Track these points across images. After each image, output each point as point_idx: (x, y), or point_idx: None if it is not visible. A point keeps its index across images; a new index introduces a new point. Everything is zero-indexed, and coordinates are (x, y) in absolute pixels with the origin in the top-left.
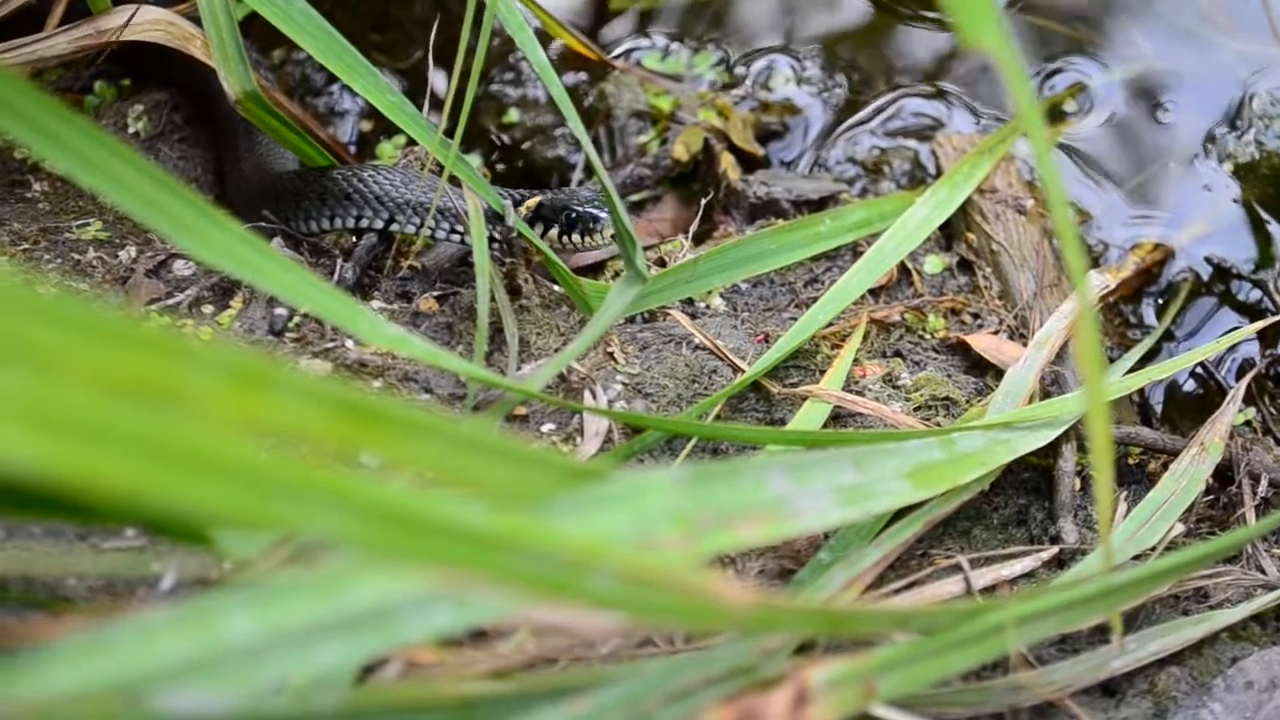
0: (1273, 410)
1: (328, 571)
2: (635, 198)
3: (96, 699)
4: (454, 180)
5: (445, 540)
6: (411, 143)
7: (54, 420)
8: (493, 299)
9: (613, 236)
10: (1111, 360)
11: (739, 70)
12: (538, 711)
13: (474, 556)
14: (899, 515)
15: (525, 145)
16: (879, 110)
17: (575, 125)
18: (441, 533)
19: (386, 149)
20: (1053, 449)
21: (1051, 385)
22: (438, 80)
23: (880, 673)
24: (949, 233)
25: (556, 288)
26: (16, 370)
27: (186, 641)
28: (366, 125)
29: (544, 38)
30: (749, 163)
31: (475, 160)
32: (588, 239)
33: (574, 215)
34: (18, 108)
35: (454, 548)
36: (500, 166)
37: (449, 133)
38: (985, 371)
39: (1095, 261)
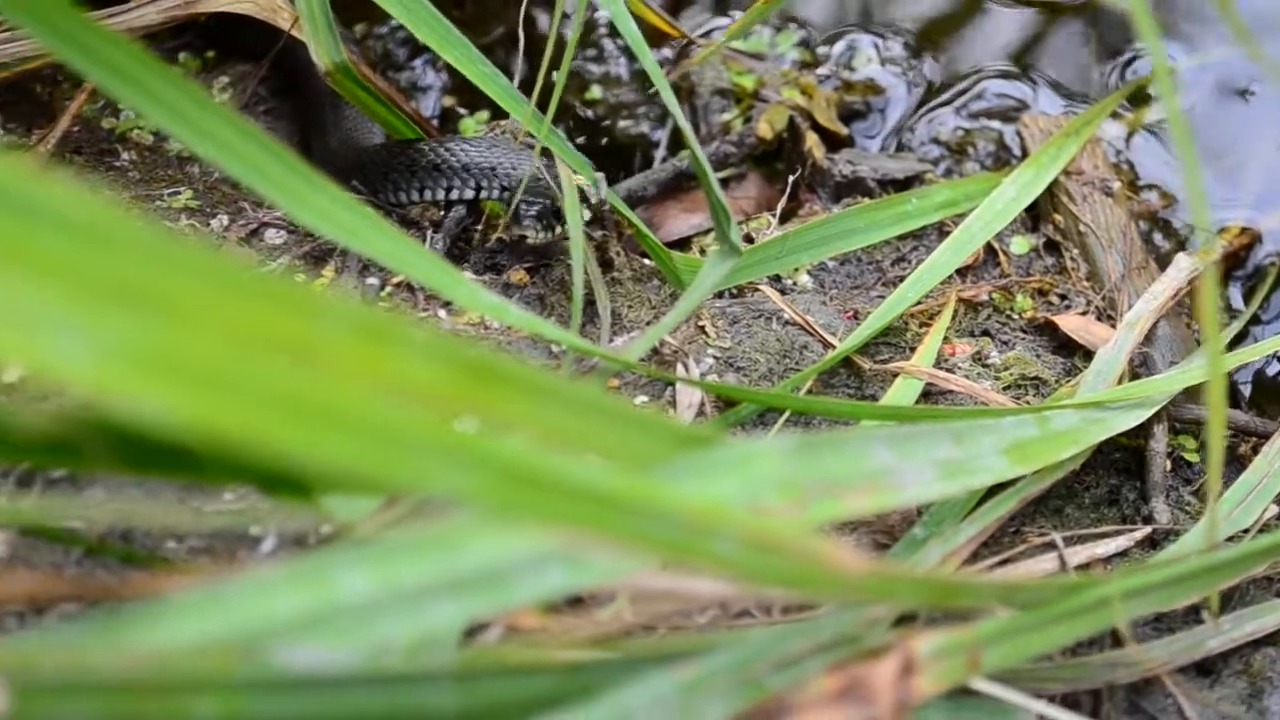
0: None
1: (443, 531)
2: (719, 175)
3: (214, 653)
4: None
5: (573, 500)
6: (495, 118)
7: (187, 370)
8: (585, 271)
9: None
10: (1198, 344)
11: (821, 49)
12: (645, 676)
13: (600, 517)
14: (992, 492)
15: (607, 122)
16: (963, 91)
17: (668, 98)
18: (570, 492)
19: (469, 124)
20: (1144, 429)
21: (1140, 367)
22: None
23: (984, 645)
24: (1035, 214)
25: (647, 261)
26: (151, 319)
27: (303, 598)
28: (449, 101)
29: None
30: (833, 142)
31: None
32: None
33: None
34: (127, 72)
35: (581, 507)
36: (582, 142)
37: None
38: (1073, 352)
39: (1181, 245)
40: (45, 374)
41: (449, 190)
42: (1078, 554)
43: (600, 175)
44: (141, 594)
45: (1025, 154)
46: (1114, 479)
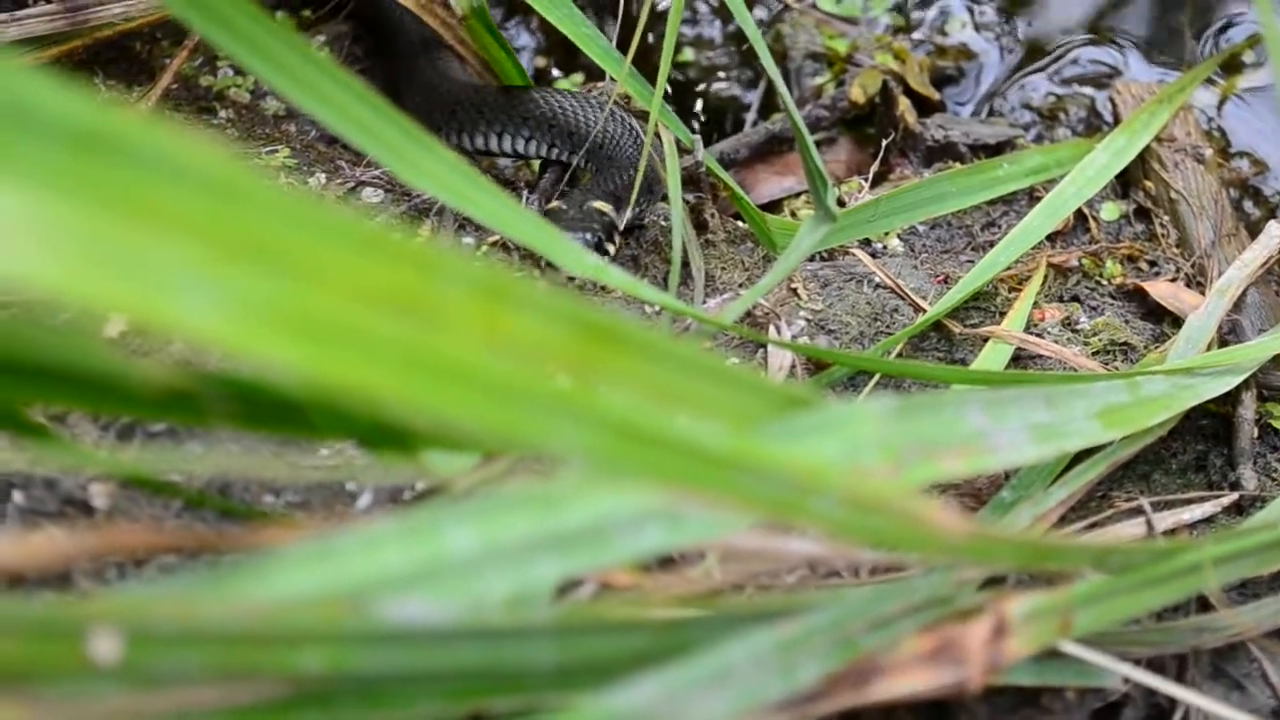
0: None
1: (546, 489)
2: (812, 139)
3: (323, 605)
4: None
5: (680, 457)
6: (588, 80)
7: (312, 326)
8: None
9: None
10: None
11: (914, 14)
12: (745, 633)
13: (705, 474)
14: (1079, 458)
15: (700, 85)
16: (1055, 57)
17: (766, 61)
18: (677, 449)
19: (563, 85)
20: (1232, 397)
21: (1229, 334)
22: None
23: (1076, 607)
24: (1126, 180)
25: (740, 224)
26: (278, 275)
27: (408, 552)
28: (541, 61)
29: None
30: (924, 106)
31: None
32: None
33: None
34: (233, 24)
35: (687, 465)
36: (674, 105)
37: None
38: (1162, 318)
39: (1272, 212)
40: (171, 329)
41: (528, 141)
42: (1165, 519)
43: (697, 137)
44: (242, 547)
45: (1117, 120)
46: (1201, 445)
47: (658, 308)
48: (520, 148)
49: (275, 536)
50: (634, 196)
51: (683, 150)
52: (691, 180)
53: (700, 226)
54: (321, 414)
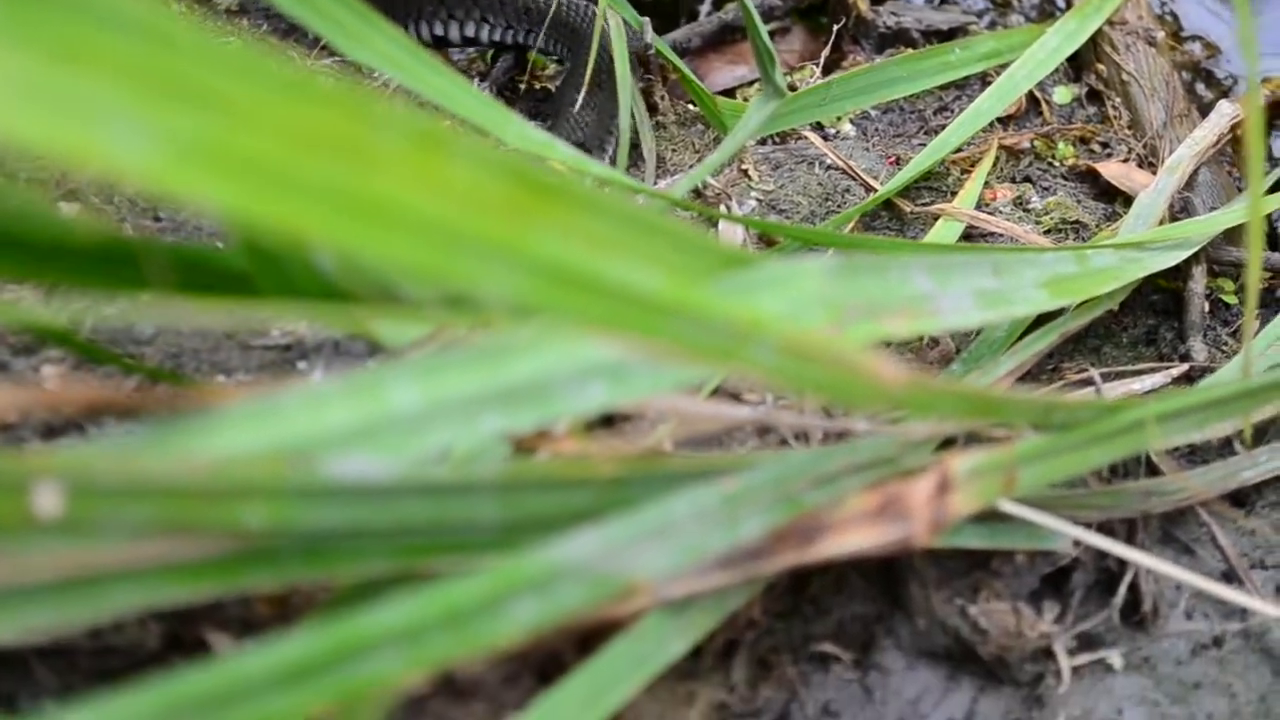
0: None
1: (490, 346)
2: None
3: (267, 461)
4: None
5: (620, 304)
6: None
7: (245, 166)
8: (630, 114)
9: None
10: (1239, 190)
11: None
12: (688, 489)
13: (644, 321)
14: (1028, 331)
15: None
16: None
17: None
18: (617, 295)
19: None
20: (1182, 272)
21: (1180, 212)
22: None
23: (1020, 464)
24: (1078, 64)
25: (691, 107)
26: (210, 115)
27: (352, 410)
28: None
29: None
30: None
31: None
32: None
33: None
34: None
35: (627, 311)
36: None
37: None
38: (1114, 199)
39: (1224, 94)
40: (103, 166)
41: (489, 26)
42: (1114, 389)
43: (646, 20)
44: (187, 407)
45: (1070, 5)
46: (1152, 320)
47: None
48: (484, 34)
49: (219, 396)
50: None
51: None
52: (641, 63)
53: (650, 109)
54: (267, 278)
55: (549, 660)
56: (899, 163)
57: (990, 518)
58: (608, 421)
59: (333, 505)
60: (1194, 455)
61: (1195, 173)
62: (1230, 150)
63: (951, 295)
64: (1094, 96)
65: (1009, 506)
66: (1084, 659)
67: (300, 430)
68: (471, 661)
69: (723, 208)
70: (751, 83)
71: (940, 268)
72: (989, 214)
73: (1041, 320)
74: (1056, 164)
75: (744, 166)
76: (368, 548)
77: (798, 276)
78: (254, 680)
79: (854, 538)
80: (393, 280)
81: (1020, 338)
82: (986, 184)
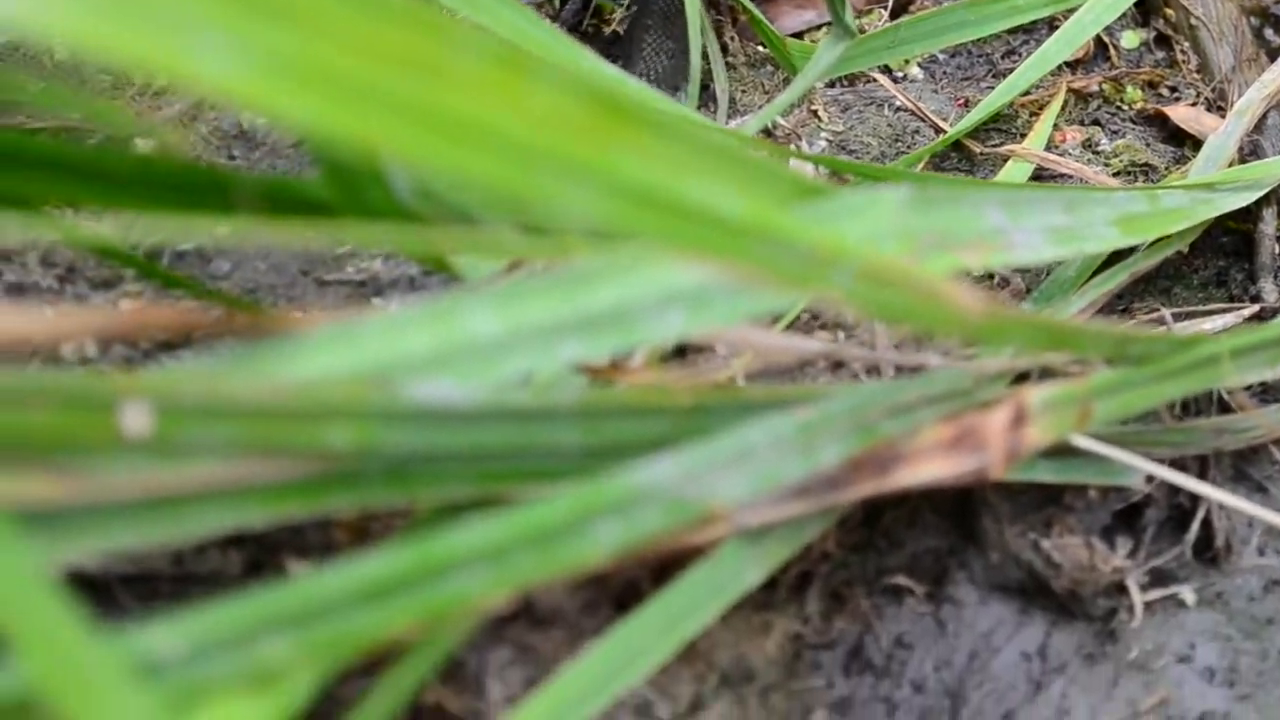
0: None
1: (570, 273)
2: None
3: (350, 384)
4: None
5: (699, 225)
6: None
7: (326, 80)
8: (703, 56)
9: None
10: None
11: None
12: (765, 417)
13: (725, 243)
14: (1098, 272)
15: None
16: None
17: None
18: (697, 217)
19: None
20: (1252, 214)
21: (1249, 155)
22: None
23: (1095, 397)
24: (1145, 9)
25: (761, 49)
26: (296, 31)
27: (432, 336)
28: None
29: None
30: None
31: None
32: None
33: None
34: None
35: (707, 233)
36: None
37: None
38: (1183, 142)
39: None
40: (187, 79)
41: None
42: (1185, 329)
43: None
44: (270, 332)
45: None
46: (1222, 261)
47: None
48: None
49: (300, 323)
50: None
51: None
52: (710, 5)
53: (721, 49)
54: (347, 206)
55: (627, 589)
56: (967, 105)
57: (1063, 453)
58: (680, 355)
59: (415, 428)
60: (1266, 394)
61: (1264, 116)
62: None
63: (1024, 230)
64: (1162, 41)
65: (1082, 441)
66: (1156, 594)
67: (381, 355)
68: (552, 584)
69: (793, 148)
70: (819, 27)
71: (1013, 203)
72: (1058, 156)
73: (1111, 262)
74: (1125, 108)
75: (813, 108)
76: (448, 472)
77: (873, 206)
78: (335, 598)
79: (929, 468)
80: (470, 210)
81: (1090, 278)
82: (1055, 126)
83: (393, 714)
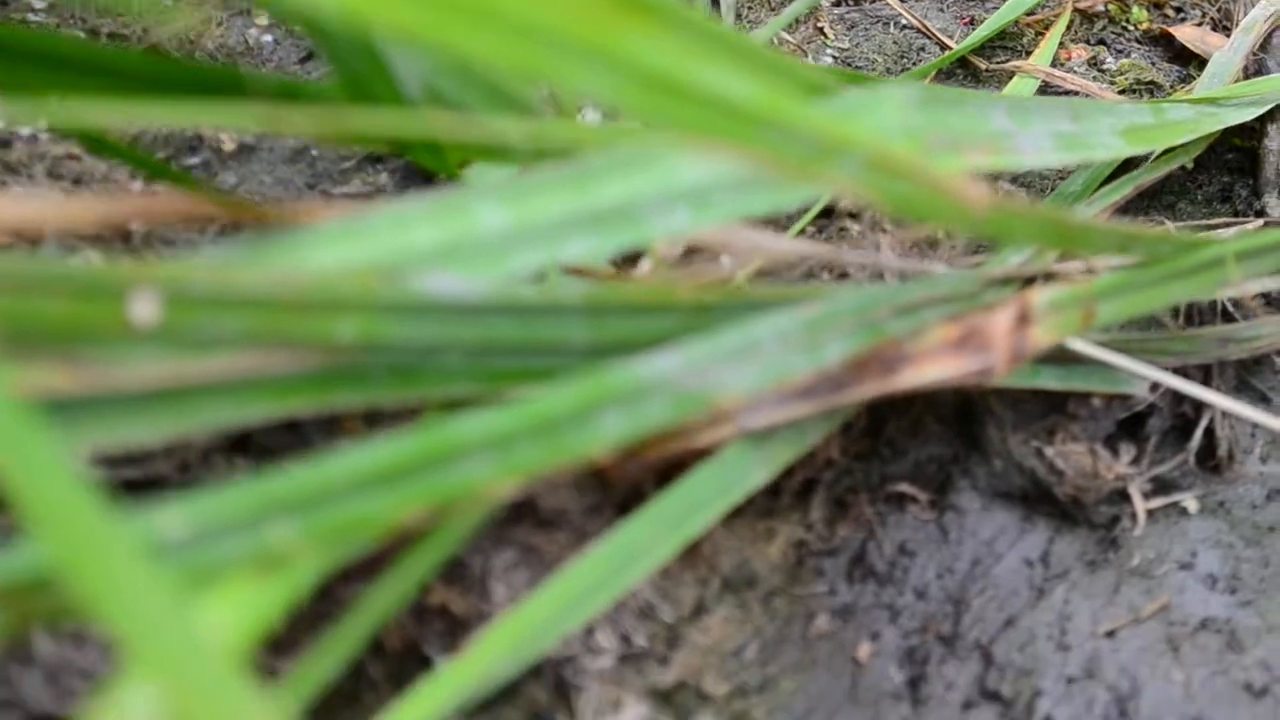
0: None
1: (576, 170)
2: None
3: (358, 276)
4: None
5: (709, 110)
6: None
7: None
8: None
9: None
10: None
11: None
12: (771, 314)
13: (735, 129)
14: (1104, 184)
15: None
16: None
17: None
18: (707, 102)
19: None
20: (1257, 131)
21: (1255, 73)
22: None
23: (1099, 298)
24: None
25: None
26: None
27: (440, 229)
28: None
29: None
30: None
31: None
32: None
33: None
34: None
35: (717, 118)
36: None
37: None
38: (1188, 62)
39: None
40: None
41: None
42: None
43: None
44: (278, 222)
45: None
46: (1226, 178)
47: None
48: None
49: (310, 216)
50: None
51: None
52: None
53: None
54: (357, 99)
55: (631, 494)
56: (973, 23)
57: (1067, 360)
58: (686, 259)
59: (422, 321)
60: (1270, 305)
61: (1270, 35)
62: None
63: (1030, 135)
64: None
65: (1086, 348)
66: (1159, 502)
67: (389, 248)
68: (557, 485)
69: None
70: None
71: (1019, 109)
72: (1064, 73)
73: (1116, 177)
74: (1130, 28)
75: (820, 25)
76: (456, 368)
77: (881, 104)
78: (341, 483)
79: (935, 368)
80: (477, 110)
81: (1095, 192)
82: (1061, 45)
83: (400, 607)
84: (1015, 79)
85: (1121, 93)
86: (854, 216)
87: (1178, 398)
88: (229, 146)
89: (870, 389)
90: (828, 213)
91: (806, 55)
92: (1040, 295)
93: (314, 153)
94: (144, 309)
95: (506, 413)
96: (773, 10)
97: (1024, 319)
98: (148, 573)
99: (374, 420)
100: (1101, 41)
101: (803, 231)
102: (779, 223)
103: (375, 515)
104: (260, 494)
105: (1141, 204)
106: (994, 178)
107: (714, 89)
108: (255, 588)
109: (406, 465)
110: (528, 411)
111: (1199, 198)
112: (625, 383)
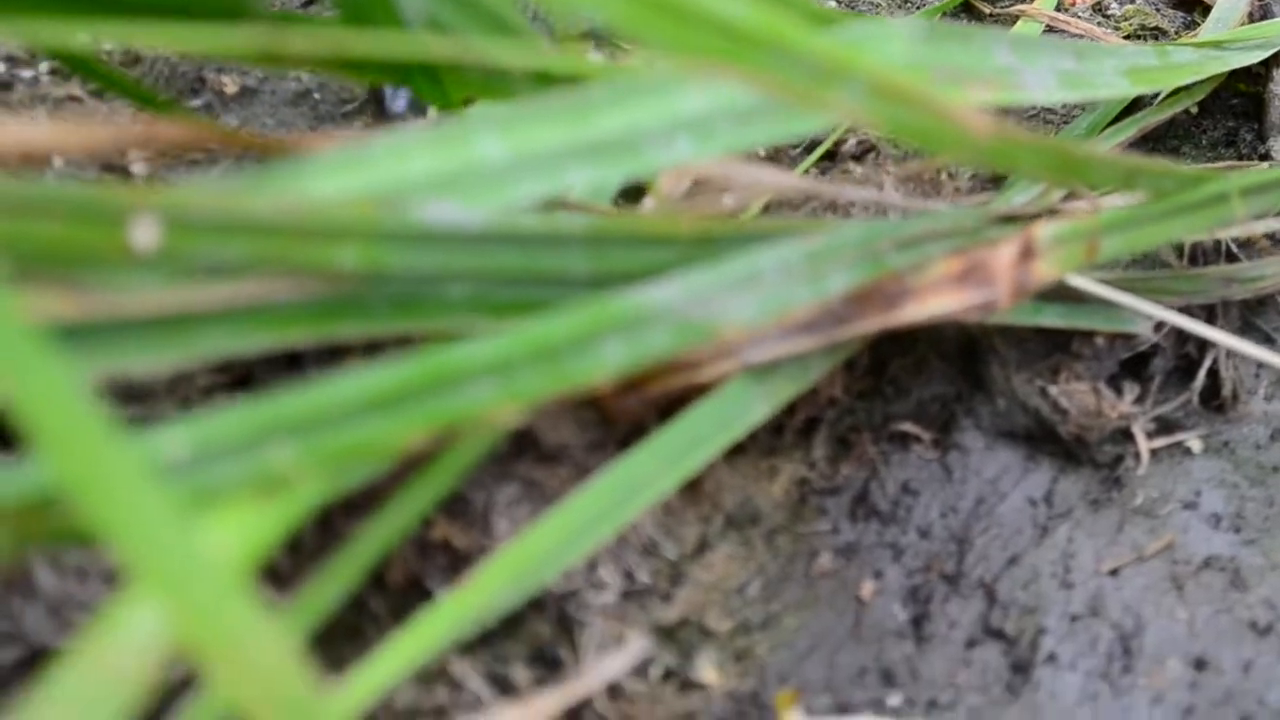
0: None
1: (577, 99)
2: None
3: (358, 204)
4: None
5: (714, 33)
6: None
7: None
8: None
9: None
10: None
11: None
12: (775, 245)
13: (739, 53)
14: (1108, 127)
15: None
16: None
17: None
18: (712, 25)
19: None
20: (1261, 76)
21: (1260, 17)
22: None
23: (1103, 233)
24: None
25: None
26: None
27: (440, 158)
28: None
29: None
30: None
31: None
32: None
33: None
34: None
35: (722, 42)
36: None
37: None
38: (1193, 8)
39: None
40: None
41: None
42: None
43: None
44: (279, 152)
45: None
46: (1231, 122)
47: None
48: None
49: (311, 145)
50: None
51: None
52: None
53: None
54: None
55: (633, 430)
56: None
57: (1071, 298)
58: (688, 194)
59: (422, 250)
60: (1277, 245)
61: None
62: None
63: (1035, 72)
64: None
65: (1090, 285)
66: (1163, 442)
67: (389, 177)
68: (560, 420)
69: None
70: None
71: (1024, 45)
72: (1068, 17)
73: (1120, 120)
74: None
75: None
76: (457, 299)
77: (885, 37)
78: (342, 406)
79: (937, 301)
80: (479, 36)
81: (1099, 134)
82: None
83: (402, 539)
84: (1019, 23)
85: (1126, 38)
86: (858, 160)
87: (1182, 338)
88: (231, 89)
89: (873, 323)
90: (831, 155)
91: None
92: (1044, 229)
93: (316, 95)
94: (144, 234)
95: (508, 339)
96: None
97: (1027, 253)
98: (152, 491)
99: (375, 354)
100: None
101: (806, 174)
102: (783, 164)
103: (376, 439)
104: (261, 416)
105: (1146, 147)
106: (998, 113)
107: (718, 12)
108: (256, 509)
109: (408, 390)
110: (529, 338)
111: (1203, 142)
112: (627, 311)
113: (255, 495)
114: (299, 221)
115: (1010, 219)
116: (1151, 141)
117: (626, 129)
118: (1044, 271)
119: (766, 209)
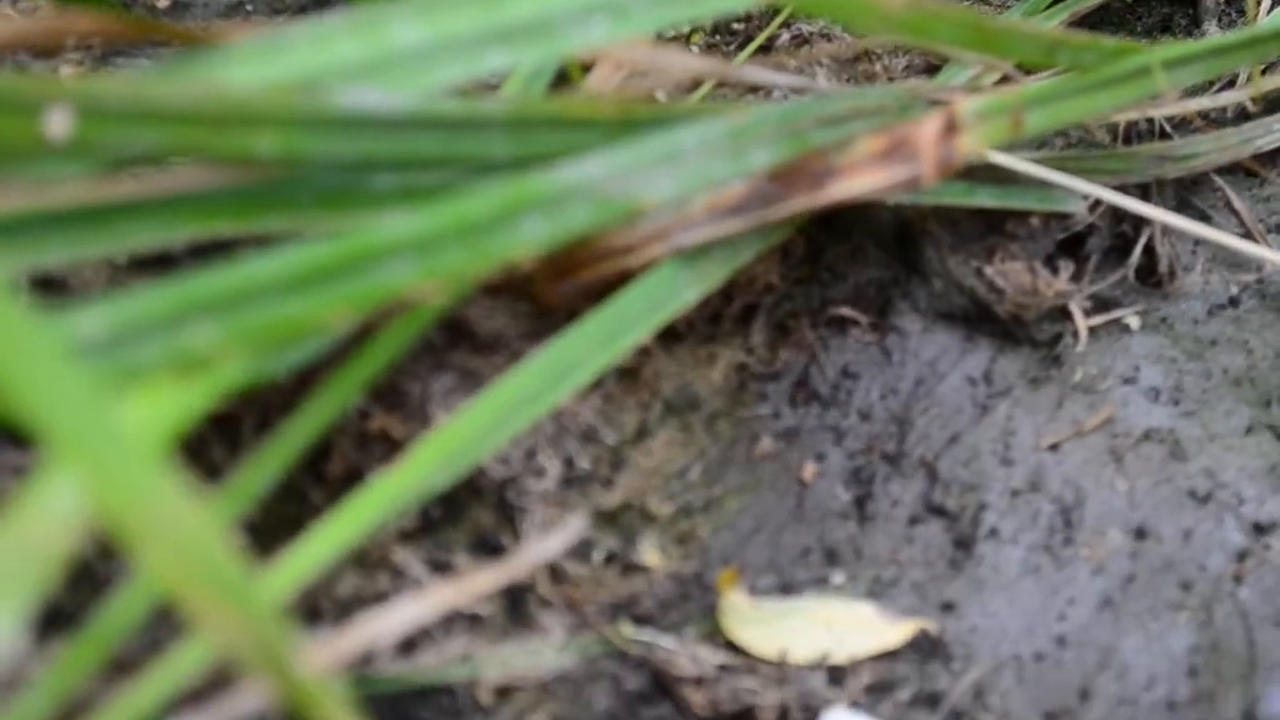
0: None
1: None
2: None
3: (277, 91)
4: None
5: None
6: None
7: None
8: None
9: None
10: None
11: None
12: (698, 125)
13: None
14: (1043, 12)
15: None
16: None
17: None
18: None
19: None
20: None
21: None
22: None
23: (1026, 107)
24: None
25: None
26: None
27: (358, 45)
28: None
29: None
30: None
31: None
32: None
33: None
34: None
35: None
36: None
37: None
38: None
39: None
40: None
41: None
42: None
43: None
44: (196, 42)
45: None
46: (1166, 8)
47: None
48: None
49: (228, 34)
50: None
51: None
52: None
53: None
54: None
55: (568, 319)
56: None
57: (1004, 179)
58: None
59: (343, 136)
60: (1211, 123)
61: None
62: None
63: None
64: None
65: (1021, 164)
66: (1100, 319)
67: (308, 65)
68: (494, 309)
69: None
70: None
71: None
72: None
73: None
74: None
75: None
76: (383, 190)
77: None
78: (262, 285)
79: (863, 179)
80: None
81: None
82: None
83: (335, 422)
84: None
85: None
86: (791, 55)
87: (1117, 218)
88: (163, 3)
89: (799, 203)
90: (766, 49)
91: None
92: (967, 104)
93: (249, 7)
94: (58, 123)
95: (427, 215)
96: None
97: (951, 128)
98: (66, 367)
99: None
100: None
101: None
102: (720, 55)
103: (297, 317)
104: (179, 295)
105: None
106: None
107: None
108: (176, 389)
109: (328, 268)
110: (449, 214)
111: (1138, 29)
112: (546, 187)
113: (176, 374)
114: (214, 109)
115: (938, 103)
116: (1086, 28)
117: (542, 11)
118: (968, 145)
119: (692, 93)
